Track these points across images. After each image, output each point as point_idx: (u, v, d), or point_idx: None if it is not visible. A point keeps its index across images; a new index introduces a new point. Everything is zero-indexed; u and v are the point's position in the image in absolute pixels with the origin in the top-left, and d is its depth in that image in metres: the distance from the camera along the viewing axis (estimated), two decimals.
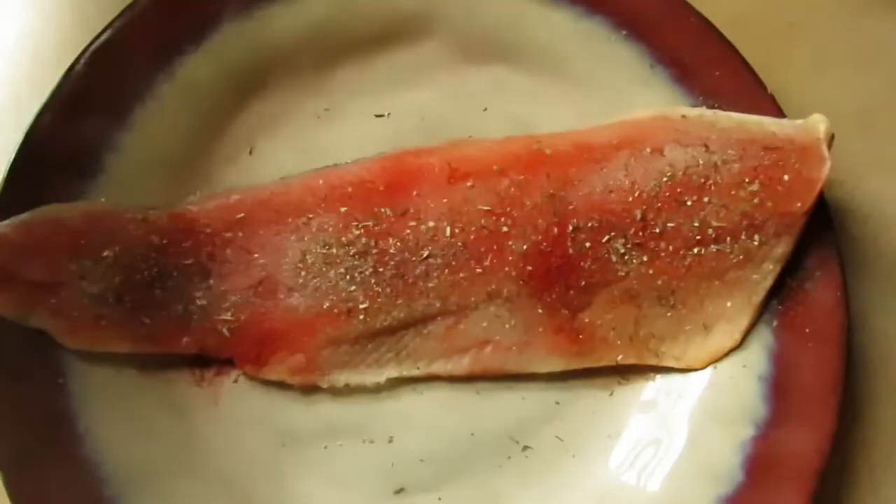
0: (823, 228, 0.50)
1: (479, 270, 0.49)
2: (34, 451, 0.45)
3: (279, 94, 0.54)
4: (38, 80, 0.52)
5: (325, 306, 0.48)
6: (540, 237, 0.49)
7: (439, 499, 0.49)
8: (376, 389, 0.50)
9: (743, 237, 0.48)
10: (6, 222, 0.47)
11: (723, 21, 0.54)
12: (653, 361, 0.50)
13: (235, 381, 0.50)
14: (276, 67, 0.54)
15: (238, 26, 0.53)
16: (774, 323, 0.49)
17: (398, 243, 0.49)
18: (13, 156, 0.49)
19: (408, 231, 0.49)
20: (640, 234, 0.49)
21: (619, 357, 0.50)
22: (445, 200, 0.49)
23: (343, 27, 0.54)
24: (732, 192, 0.48)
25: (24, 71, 0.56)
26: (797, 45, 0.59)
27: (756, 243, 0.49)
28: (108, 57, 0.51)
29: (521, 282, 0.49)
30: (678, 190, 0.49)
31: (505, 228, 0.49)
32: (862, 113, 0.58)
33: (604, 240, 0.49)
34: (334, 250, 0.49)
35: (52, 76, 0.50)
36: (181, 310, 0.48)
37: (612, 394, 0.51)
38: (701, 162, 0.49)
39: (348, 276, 0.48)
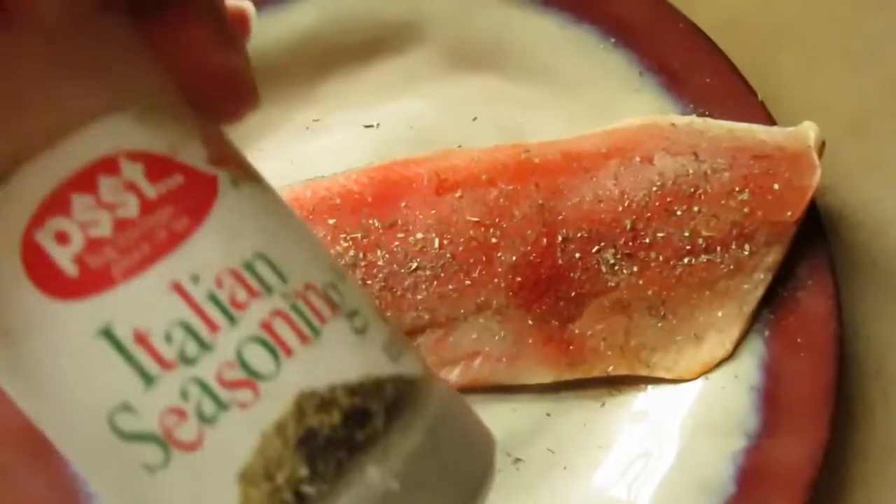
0: (815, 236, 0.50)
1: (467, 282, 0.48)
2: (17, 468, 0.45)
3: (266, 106, 0.54)
4: None
5: None
6: (529, 248, 0.48)
7: None
8: None
9: (733, 247, 0.48)
10: None
11: (711, 25, 0.54)
12: (644, 372, 0.50)
13: None
14: (263, 78, 0.52)
15: None
16: (766, 333, 0.49)
17: (386, 255, 0.48)
18: None
19: (396, 243, 0.48)
20: (630, 244, 0.48)
21: (610, 368, 0.49)
22: (434, 212, 0.49)
23: (330, 37, 0.54)
24: (722, 202, 0.48)
25: None
26: (788, 49, 0.59)
27: (746, 253, 0.48)
28: None
29: (511, 293, 0.48)
30: (668, 199, 0.48)
31: (494, 239, 0.48)
32: (855, 117, 0.58)
33: (593, 250, 0.48)
34: None
35: None
36: None
37: (603, 405, 0.51)
38: (691, 171, 0.48)
39: None
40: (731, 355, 0.49)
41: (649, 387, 0.50)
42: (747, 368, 0.49)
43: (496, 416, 0.50)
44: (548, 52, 0.54)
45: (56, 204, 0.23)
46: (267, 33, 0.53)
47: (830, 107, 0.58)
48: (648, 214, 0.48)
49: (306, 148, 0.54)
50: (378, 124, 0.54)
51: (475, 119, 0.54)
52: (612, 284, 0.49)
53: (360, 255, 0.48)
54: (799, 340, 0.48)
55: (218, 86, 0.27)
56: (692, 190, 0.48)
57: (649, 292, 0.49)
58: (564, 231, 0.48)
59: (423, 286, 0.48)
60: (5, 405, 0.46)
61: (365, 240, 0.48)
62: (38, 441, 0.46)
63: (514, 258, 0.48)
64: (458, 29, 0.54)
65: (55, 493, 0.45)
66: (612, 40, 0.53)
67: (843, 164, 0.56)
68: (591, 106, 0.53)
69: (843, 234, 0.56)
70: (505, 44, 0.54)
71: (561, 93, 0.54)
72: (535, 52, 0.54)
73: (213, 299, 0.23)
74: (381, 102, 0.55)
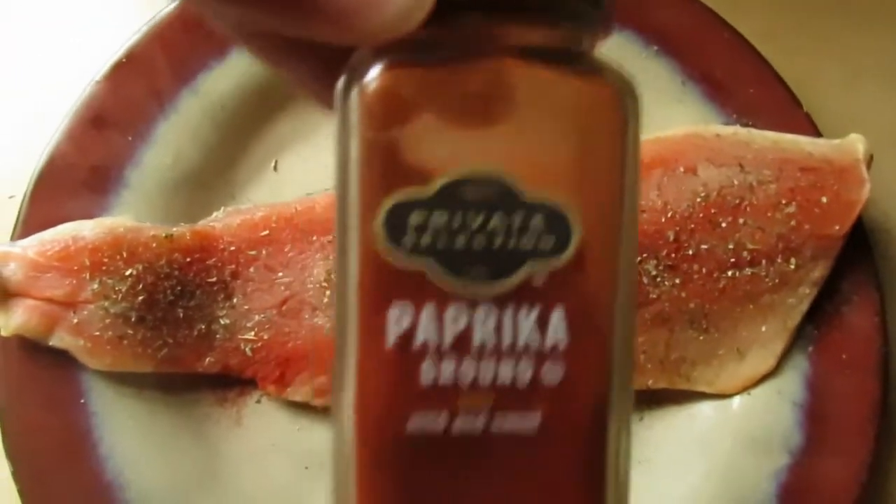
0: (860, 251, 0.49)
1: None
2: (55, 474, 0.45)
3: (303, 109, 0.53)
4: (61, 95, 0.51)
5: None
6: None
7: None
8: None
9: (779, 260, 0.47)
10: (27, 240, 0.46)
11: (752, 36, 0.53)
12: (684, 386, 0.49)
13: (258, 401, 0.49)
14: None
15: None
16: (810, 348, 0.48)
17: None
18: (35, 172, 0.48)
19: None
20: (673, 255, 0.47)
21: (650, 381, 0.49)
22: None
23: None
24: (768, 214, 0.47)
25: (47, 85, 0.55)
26: (829, 61, 0.58)
27: (792, 266, 0.47)
28: (130, 71, 0.50)
29: None
30: (712, 211, 0.47)
31: None
32: None
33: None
34: None
35: (75, 90, 0.50)
36: (204, 329, 0.48)
37: (641, 419, 0.50)
38: (736, 182, 0.48)
39: None
40: (774, 371, 0.48)
41: (690, 402, 0.49)
42: (791, 384, 0.48)
43: None
44: None
45: None
46: None
47: (872, 120, 0.57)
48: (692, 226, 0.47)
49: None
50: None
51: None
52: (654, 296, 0.48)
53: None
54: (843, 357, 0.48)
55: None
56: (737, 201, 0.47)
57: (691, 305, 0.48)
58: None
59: None
60: (39, 409, 0.46)
61: None
62: (74, 448, 0.46)
63: None
64: None
65: (93, 501, 0.45)
66: (655, 48, 0.52)
67: (886, 177, 0.55)
68: None
69: (886, 249, 0.55)
70: None
71: None
72: None
73: None
74: None
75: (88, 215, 0.48)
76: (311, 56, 0.28)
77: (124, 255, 0.46)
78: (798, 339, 0.48)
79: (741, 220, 0.47)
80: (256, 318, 0.48)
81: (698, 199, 0.48)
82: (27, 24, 0.57)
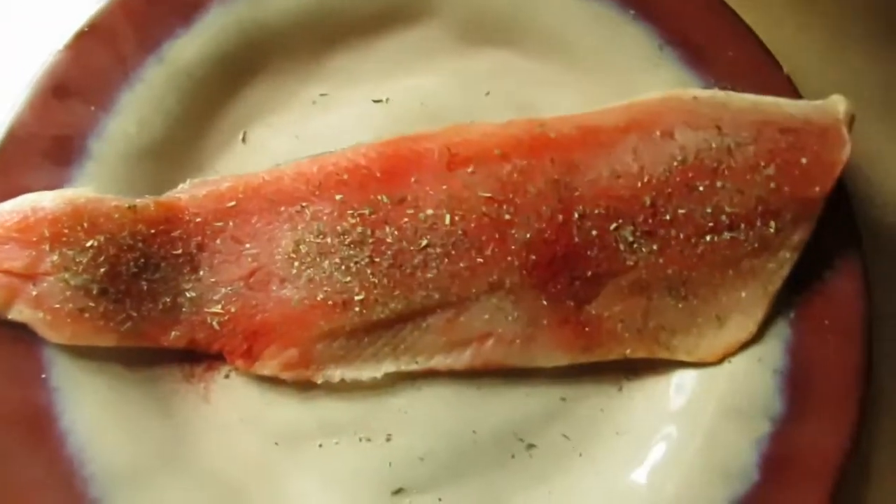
0: (842, 214, 0.48)
1: (480, 260, 0.46)
2: (14, 450, 0.43)
3: (273, 79, 0.52)
4: (23, 64, 0.50)
5: (319, 298, 0.46)
6: (544, 225, 0.46)
7: (439, 499, 0.47)
8: (373, 385, 0.48)
9: (758, 224, 0.46)
10: None
11: (737, 3, 0.52)
12: (664, 355, 0.48)
13: (227, 376, 0.48)
14: (270, 51, 0.52)
15: (230, 8, 0.51)
16: (791, 314, 0.47)
17: (396, 232, 0.46)
18: None
19: (406, 219, 0.47)
20: (650, 221, 0.46)
21: (628, 351, 0.47)
22: (445, 187, 0.47)
23: (340, 9, 0.52)
24: (747, 177, 0.46)
25: (8, 55, 0.54)
26: (813, 25, 0.57)
27: (772, 230, 0.46)
28: (94, 40, 0.49)
29: (524, 272, 0.46)
30: (690, 175, 0.46)
31: (507, 216, 0.46)
32: (880, 94, 0.56)
33: (611, 228, 0.46)
34: (329, 240, 0.47)
35: (36, 60, 0.49)
36: (169, 302, 0.46)
37: (620, 389, 0.49)
38: (713, 145, 0.46)
39: (343, 267, 0.46)
40: (754, 338, 0.47)
41: (669, 371, 0.48)
42: (772, 351, 0.47)
43: (509, 401, 0.48)
44: (563, 24, 0.52)
45: None
46: (272, 5, 0.51)
47: (855, 83, 0.56)
48: (669, 190, 0.46)
49: (313, 123, 0.52)
50: (387, 99, 0.53)
51: (488, 94, 0.53)
52: (631, 263, 0.47)
53: (368, 232, 0.46)
54: (826, 322, 0.47)
55: None
56: (715, 164, 0.46)
57: (669, 272, 0.47)
58: (581, 208, 0.46)
59: (434, 264, 0.46)
60: (7, 381, 0.45)
61: (373, 216, 0.47)
62: (33, 423, 0.45)
63: (528, 236, 0.46)
64: (471, 1, 0.52)
65: (53, 476, 0.43)
66: (632, 12, 0.51)
67: (868, 142, 0.54)
68: (609, 81, 0.51)
69: (868, 214, 0.53)
70: (519, 17, 0.52)
71: (577, 67, 0.52)
72: (550, 25, 0.52)
73: None
74: (391, 77, 0.53)
75: (50, 187, 0.47)
76: None
77: (85, 225, 0.45)
78: (779, 305, 0.47)
79: (719, 184, 0.46)
80: (223, 290, 0.47)
81: (675, 163, 0.46)
82: None
